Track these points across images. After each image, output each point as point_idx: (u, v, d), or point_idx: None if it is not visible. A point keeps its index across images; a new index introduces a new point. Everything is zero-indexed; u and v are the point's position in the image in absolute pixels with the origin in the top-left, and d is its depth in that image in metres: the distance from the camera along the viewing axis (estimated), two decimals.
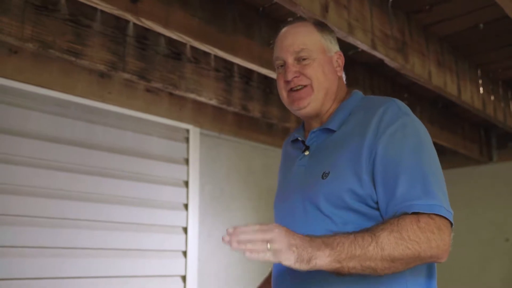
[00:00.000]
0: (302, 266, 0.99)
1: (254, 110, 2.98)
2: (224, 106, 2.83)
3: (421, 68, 2.56)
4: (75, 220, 2.50)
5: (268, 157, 3.65)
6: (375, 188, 1.18)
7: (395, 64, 2.40)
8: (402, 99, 3.27)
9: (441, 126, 3.69)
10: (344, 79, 1.44)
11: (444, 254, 1.11)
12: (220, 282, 3.15)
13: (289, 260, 0.99)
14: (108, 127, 2.73)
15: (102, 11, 2.19)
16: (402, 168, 1.15)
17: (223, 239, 1.00)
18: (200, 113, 3.14)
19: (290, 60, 1.34)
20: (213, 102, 2.75)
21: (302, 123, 1.49)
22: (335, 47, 1.40)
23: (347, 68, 2.85)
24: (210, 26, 2.17)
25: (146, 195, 2.84)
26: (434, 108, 3.67)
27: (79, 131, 2.60)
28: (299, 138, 1.41)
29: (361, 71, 3.01)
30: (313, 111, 1.35)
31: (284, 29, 1.40)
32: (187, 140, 3.12)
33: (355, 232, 1.07)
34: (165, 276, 2.85)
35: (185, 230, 3.00)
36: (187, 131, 3.12)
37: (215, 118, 3.22)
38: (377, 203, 1.18)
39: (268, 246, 0.98)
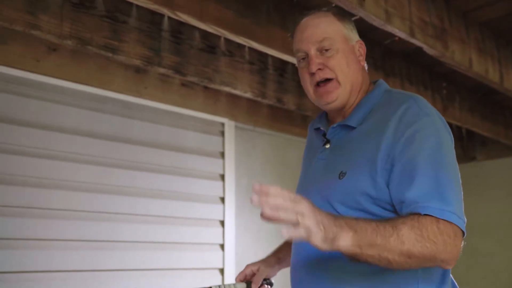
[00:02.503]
0: (326, 246, 0.97)
1: (289, 103, 2.96)
2: (258, 99, 2.82)
3: (461, 55, 2.49)
4: (113, 213, 2.54)
5: (303, 150, 3.61)
6: (389, 191, 1.16)
7: (434, 51, 2.33)
8: (441, 88, 3.23)
9: (482, 115, 3.58)
10: (366, 68, 1.40)
11: (454, 261, 1.09)
12: None
13: (317, 238, 0.95)
14: (145, 122, 2.76)
15: (137, 6, 2.21)
16: (418, 172, 1.12)
17: (251, 200, 0.94)
18: (235, 106, 3.14)
19: (312, 51, 1.30)
20: (248, 95, 2.74)
21: (325, 111, 1.45)
22: (355, 36, 1.36)
23: (383, 58, 2.82)
24: (245, 18, 2.16)
25: (183, 188, 2.86)
26: (474, 97, 3.56)
27: (116, 126, 2.64)
28: (321, 128, 1.39)
29: (397, 60, 2.94)
30: (341, 105, 1.32)
31: (303, 20, 1.36)
32: (222, 133, 3.13)
33: (376, 220, 1.06)
34: (203, 269, 2.88)
35: (222, 223, 3.02)
36: (222, 124, 3.13)
37: (249, 111, 3.22)
38: (393, 205, 1.16)
39: (299, 219, 0.93)
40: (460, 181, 1.18)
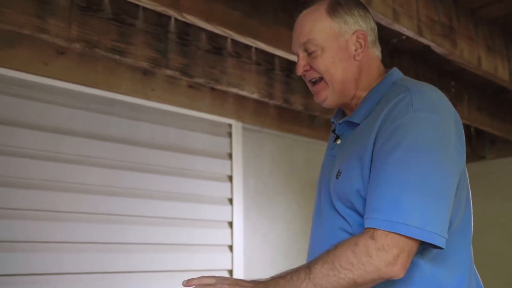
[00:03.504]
0: None
1: (296, 103, 2.95)
2: (266, 100, 2.82)
3: (470, 53, 2.47)
4: (122, 215, 2.55)
5: (310, 151, 3.61)
6: None
7: (442, 50, 2.32)
8: (449, 87, 3.21)
9: (491, 114, 3.55)
10: (378, 56, 1.31)
11: (393, 273, 1.01)
12: (266, 276, 3.15)
13: None
14: (152, 124, 2.77)
15: (144, 8, 2.21)
16: (385, 172, 1.04)
17: None
18: (242, 108, 3.14)
19: (300, 53, 1.27)
20: (255, 96, 2.74)
21: None
22: (353, 27, 1.25)
23: (391, 56, 2.80)
24: (251, 19, 2.15)
25: (191, 190, 2.86)
26: (483, 95, 3.54)
27: (124, 128, 2.64)
28: (334, 123, 1.34)
29: (405, 59, 2.93)
30: (333, 104, 1.28)
31: (298, 16, 1.32)
32: (230, 135, 3.13)
33: (297, 269, 1.09)
34: (212, 270, 2.87)
35: (230, 224, 3.01)
36: (230, 126, 3.13)
37: (257, 112, 3.22)
38: None
39: None
40: (445, 185, 1.04)
